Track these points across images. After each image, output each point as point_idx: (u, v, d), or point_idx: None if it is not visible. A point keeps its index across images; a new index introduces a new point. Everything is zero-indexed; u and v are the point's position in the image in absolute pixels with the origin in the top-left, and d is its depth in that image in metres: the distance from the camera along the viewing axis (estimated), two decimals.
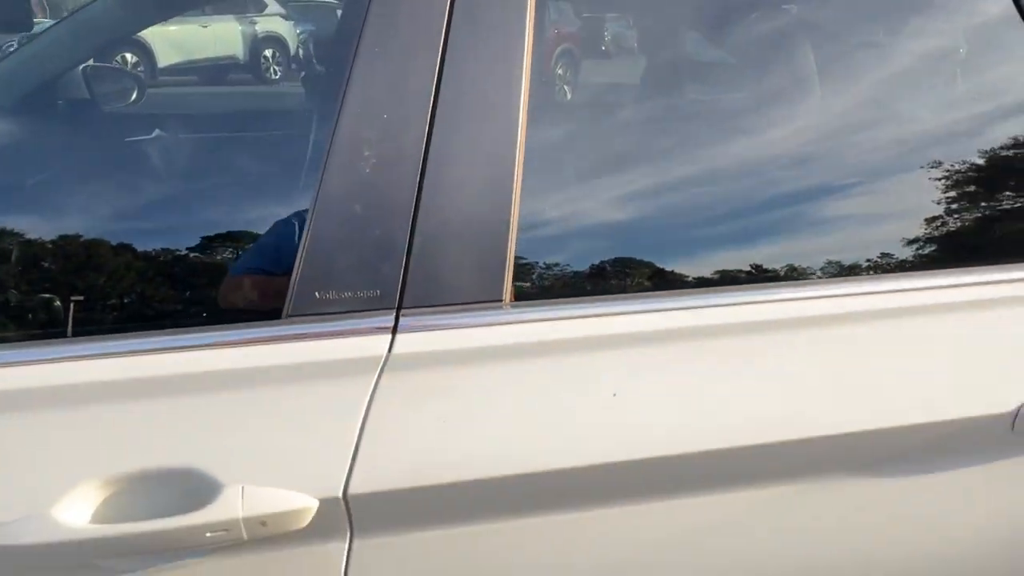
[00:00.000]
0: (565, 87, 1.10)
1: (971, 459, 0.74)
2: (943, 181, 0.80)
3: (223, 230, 0.70)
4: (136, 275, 0.70)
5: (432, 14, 0.66)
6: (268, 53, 14.70)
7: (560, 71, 1.09)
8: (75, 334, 0.67)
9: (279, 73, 15.61)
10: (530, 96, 0.67)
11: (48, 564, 0.59)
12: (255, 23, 13.65)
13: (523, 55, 0.67)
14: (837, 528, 0.71)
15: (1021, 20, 0.75)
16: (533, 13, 0.68)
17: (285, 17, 14.46)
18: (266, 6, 13.90)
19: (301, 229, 0.65)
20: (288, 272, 0.64)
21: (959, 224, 0.81)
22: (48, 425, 0.60)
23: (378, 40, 0.65)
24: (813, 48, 0.87)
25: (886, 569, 0.75)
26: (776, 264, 0.77)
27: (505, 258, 0.67)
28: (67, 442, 0.60)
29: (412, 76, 0.66)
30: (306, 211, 0.64)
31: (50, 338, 0.66)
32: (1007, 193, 0.84)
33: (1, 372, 0.60)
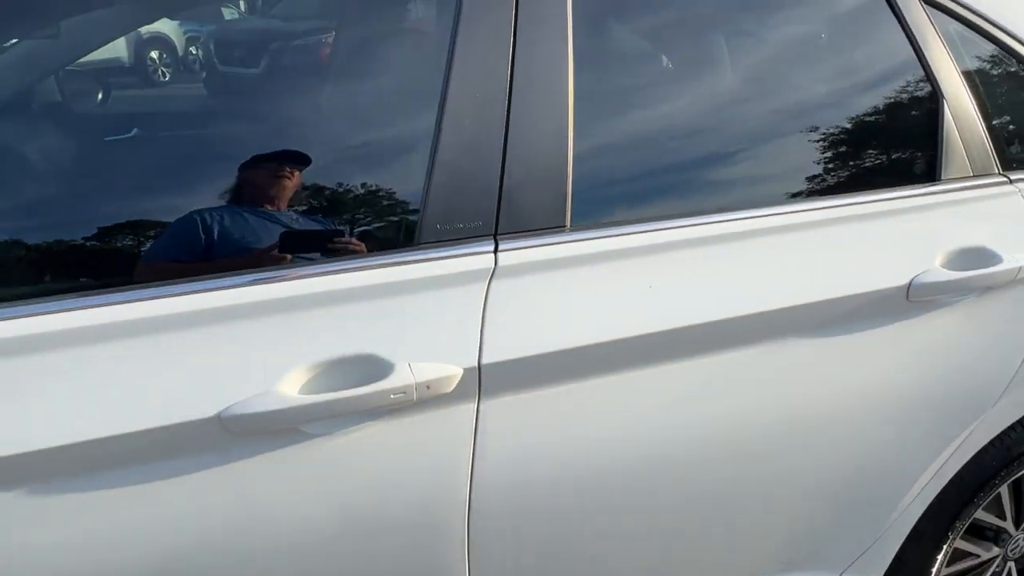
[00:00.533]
0: None
1: (882, 321, 1.07)
2: (840, 133, 1.13)
3: (355, 183, 0.91)
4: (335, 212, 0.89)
5: (503, 19, 0.91)
6: (154, 55, 14.28)
7: None
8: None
9: (167, 75, 15.25)
10: (575, 74, 0.94)
11: (269, 428, 0.80)
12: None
13: (567, 43, 0.93)
14: (780, 379, 1.02)
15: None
16: (571, 12, 0.94)
17: (170, 17, 13.99)
18: None
19: (206, 224, 0.82)
20: (195, 261, 0.82)
21: (843, 163, 1.14)
22: (268, 327, 0.81)
23: (467, 40, 0.90)
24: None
25: (819, 408, 1.07)
26: (739, 191, 1.07)
27: (566, 196, 0.93)
28: (283, 339, 0.81)
29: (494, 63, 0.90)
30: (208, 208, 0.83)
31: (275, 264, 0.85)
32: (874, 140, 1.17)
33: (242, 290, 0.80)
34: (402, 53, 0.94)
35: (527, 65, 0.91)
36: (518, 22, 0.91)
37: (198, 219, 0.82)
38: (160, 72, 2.11)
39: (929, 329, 1.11)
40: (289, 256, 0.84)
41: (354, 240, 0.87)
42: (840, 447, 1.11)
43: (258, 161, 0.88)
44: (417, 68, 0.91)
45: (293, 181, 0.88)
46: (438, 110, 0.89)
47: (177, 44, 2.19)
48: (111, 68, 1.20)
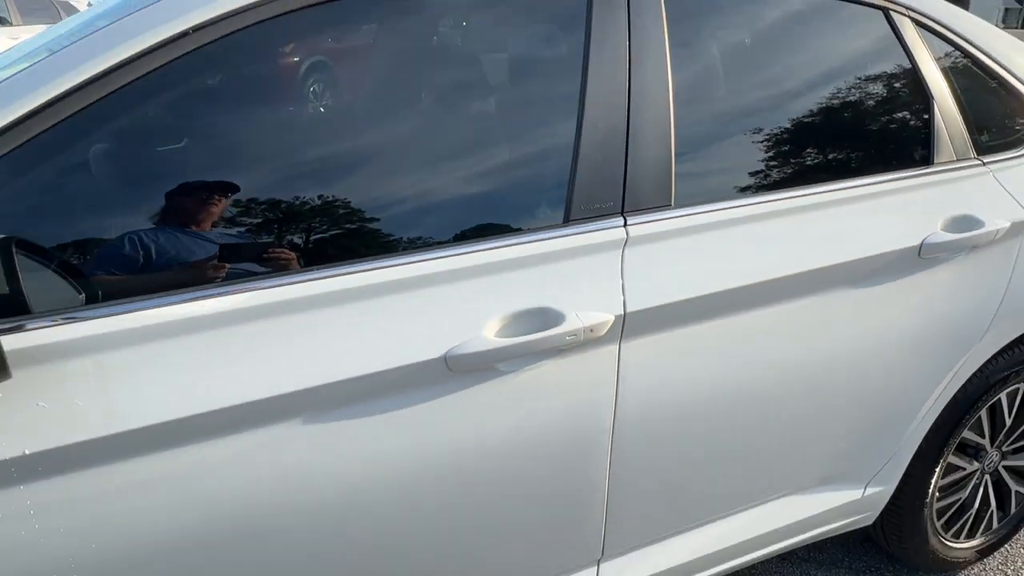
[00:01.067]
0: None
1: (900, 274, 1.37)
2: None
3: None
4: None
5: (620, 52, 1.16)
6: None
7: None
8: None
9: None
10: (673, 90, 1.20)
11: (477, 366, 1.03)
12: None
13: (667, 68, 1.19)
14: (828, 321, 1.30)
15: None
16: (666, 26, 1.20)
17: None
18: (77, 12, 12.78)
19: (144, 245, 0.91)
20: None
21: (865, 152, 1.44)
22: (472, 288, 1.04)
23: (596, 67, 1.15)
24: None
25: (857, 345, 1.35)
26: (793, 175, 1.35)
27: (671, 179, 1.19)
28: (483, 297, 1.04)
29: (615, 84, 1.16)
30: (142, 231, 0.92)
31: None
32: (889, 135, 1.47)
33: (454, 259, 1.03)
34: (549, 80, 1.17)
35: (639, 84, 1.17)
36: (631, 53, 1.17)
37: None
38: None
39: (933, 280, 1.41)
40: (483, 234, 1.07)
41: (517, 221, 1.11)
42: (869, 379, 1.40)
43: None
44: (561, 90, 1.15)
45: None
46: (577, 121, 1.14)
47: None
48: None
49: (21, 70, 0.93)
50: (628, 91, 1.17)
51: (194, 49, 0.95)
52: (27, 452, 0.84)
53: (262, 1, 0.97)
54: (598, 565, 1.30)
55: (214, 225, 0.96)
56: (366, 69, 1.20)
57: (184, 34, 0.94)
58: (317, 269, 0.98)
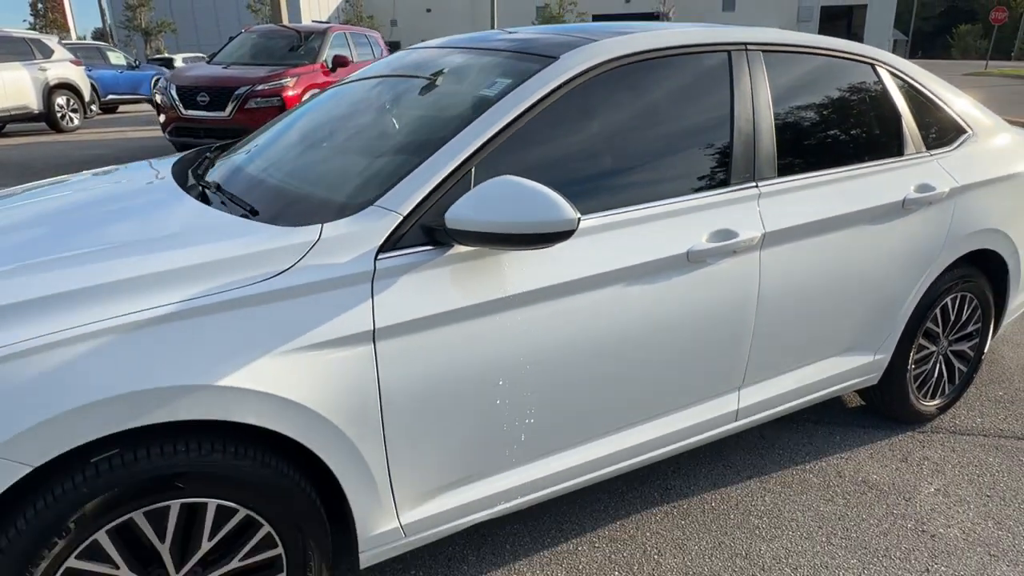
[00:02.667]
0: None
1: (891, 219, 2.35)
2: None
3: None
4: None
5: (744, 86, 2.10)
6: (62, 101, 13.75)
7: None
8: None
9: (75, 121, 14.72)
10: (773, 106, 2.14)
11: (701, 260, 1.92)
12: (45, 69, 12.83)
13: (768, 93, 2.14)
14: (855, 247, 2.27)
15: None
16: (767, 79, 2.15)
17: (74, 63, 13.65)
18: (53, 51, 13.08)
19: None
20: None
21: (866, 147, 2.42)
22: (693, 217, 1.93)
23: (737, 95, 2.08)
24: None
25: (866, 264, 2.32)
26: (828, 159, 2.31)
27: (775, 161, 2.13)
28: (698, 221, 1.94)
29: (746, 106, 2.09)
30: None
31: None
32: (879, 137, 2.47)
33: (684, 203, 1.93)
34: (716, 108, 2.09)
35: (757, 107, 2.11)
36: (752, 92, 2.11)
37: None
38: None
39: (910, 222, 2.40)
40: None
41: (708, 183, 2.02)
42: (876, 284, 2.37)
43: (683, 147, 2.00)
44: (721, 113, 2.07)
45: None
46: (730, 130, 2.06)
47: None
48: None
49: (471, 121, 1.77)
50: (753, 112, 2.10)
51: (547, 105, 1.82)
52: (509, 293, 1.67)
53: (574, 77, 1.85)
54: (739, 390, 2.20)
55: (591, 183, 1.82)
56: (647, 112, 2.08)
57: (543, 99, 1.80)
58: (630, 209, 1.85)
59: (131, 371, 1.30)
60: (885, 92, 2.47)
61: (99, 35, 59.27)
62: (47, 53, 12.12)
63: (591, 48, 1.90)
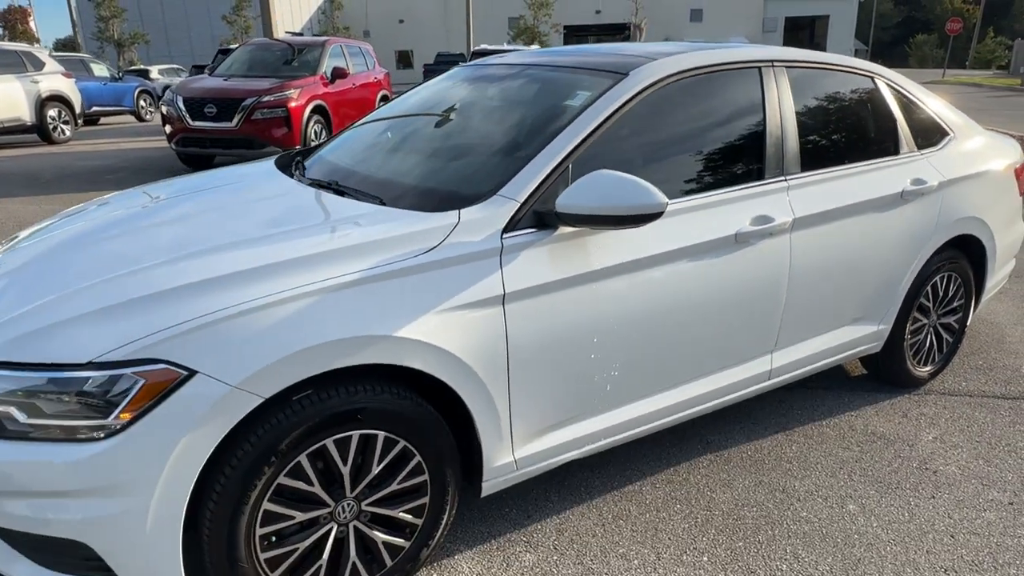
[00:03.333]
0: None
1: (891, 207, 2.78)
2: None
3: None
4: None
5: (773, 96, 2.52)
6: (53, 113, 13.85)
7: None
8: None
9: (67, 133, 14.85)
10: (796, 113, 2.56)
11: (742, 241, 2.31)
12: (37, 82, 12.98)
13: (791, 102, 2.55)
14: (863, 231, 2.69)
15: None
16: (791, 91, 2.56)
17: (65, 75, 13.79)
18: (44, 64, 13.20)
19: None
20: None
21: (868, 147, 2.85)
22: (738, 205, 2.33)
23: (768, 103, 2.49)
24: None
25: (874, 248, 2.74)
26: (834, 158, 2.73)
27: (799, 158, 2.54)
28: (742, 209, 2.33)
29: (775, 108, 2.50)
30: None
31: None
32: (881, 139, 2.90)
33: (732, 193, 2.32)
34: (753, 116, 2.49)
35: (784, 114, 2.52)
36: (779, 100, 2.52)
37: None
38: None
39: (907, 211, 2.83)
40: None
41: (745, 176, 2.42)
42: (881, 263, 2.79)
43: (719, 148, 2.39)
44: (756, 120, 2.47)
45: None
46: (762, 135, 2.47)
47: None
48: None
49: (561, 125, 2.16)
50: (780, 117, 2.52)
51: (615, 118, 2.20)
52: (596, 267, 2.04)
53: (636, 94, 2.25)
54: (772, 353, 2.60)
55: (656, 177, 2.21)
56: (698, 118, 2.47)
57: (612, 115, 2.19)
58: (688, 198, 2.25)
59: (337, 323, 1.64)
60: (883, 101, 2.91)
61: (63, 46, 58.51)
62: (38, 65, 12.22)
63: (654, 66, 2.30)
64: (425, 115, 2.71)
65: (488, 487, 2.03)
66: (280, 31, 17.72)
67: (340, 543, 1.84)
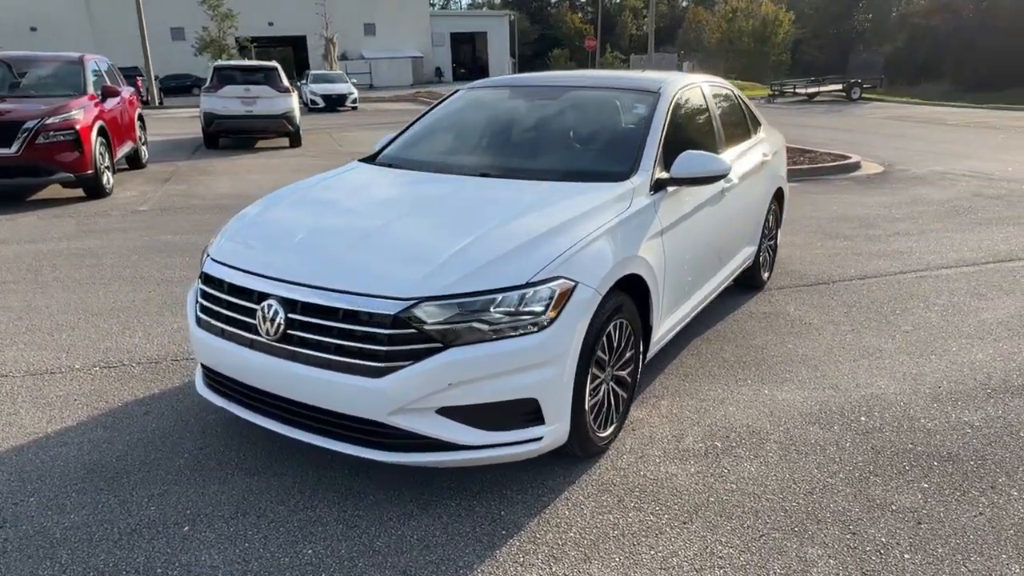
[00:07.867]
0: None
1: (759, 170, 4.52)
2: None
3: None
4: None
5: (705, 104, 4.04)
6: None
7: None
8: None
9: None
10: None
11: (730, 182, 3.79)
12: None
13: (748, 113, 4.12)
14: (751, 186, 4.39)
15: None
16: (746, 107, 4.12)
17: None
18: None
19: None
20: None
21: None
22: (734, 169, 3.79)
23: (711, 109, 4.00)
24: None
25: (753, 196, 4.46)
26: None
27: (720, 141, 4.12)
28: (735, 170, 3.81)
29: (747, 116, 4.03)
30: None
31: None
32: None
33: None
34: (706, 111, 3.94)
35: (714, 113, 4.07)
36: (711, 104, 4.06)
37: None
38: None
39: (762, 172, 4.60)
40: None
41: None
42: (758, 203, 4.51)
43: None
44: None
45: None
46: (711, 121, 3.97)
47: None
48: None
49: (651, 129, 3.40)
50: (716, 116, 4.05)
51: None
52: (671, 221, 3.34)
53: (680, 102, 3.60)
54: (732, 257, 4.13)
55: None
56: (697, 114, 3.79)
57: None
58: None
59: (619, 249, 2.70)
60: (739, 103, 4.65)
61: None
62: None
63: (667, 85, 3.64)
64: (509, 119, 3.74)
65: (649, 355, 3.19)
66: None
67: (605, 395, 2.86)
